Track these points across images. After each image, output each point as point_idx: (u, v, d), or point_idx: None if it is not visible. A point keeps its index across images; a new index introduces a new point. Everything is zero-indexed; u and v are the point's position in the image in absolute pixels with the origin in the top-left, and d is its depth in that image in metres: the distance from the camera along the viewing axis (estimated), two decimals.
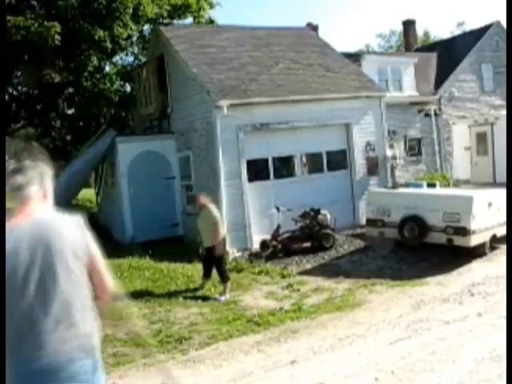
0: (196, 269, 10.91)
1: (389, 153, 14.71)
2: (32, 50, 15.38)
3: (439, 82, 20.03)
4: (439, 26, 77.07)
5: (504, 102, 18.86)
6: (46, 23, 14.87)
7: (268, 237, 12.05)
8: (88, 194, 26.20)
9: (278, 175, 13.29)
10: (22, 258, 2.53)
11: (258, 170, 12.97)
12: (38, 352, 2.51)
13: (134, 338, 7.07)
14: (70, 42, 15.68)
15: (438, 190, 12.45)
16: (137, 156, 14.22)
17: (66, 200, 15.44)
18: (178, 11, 19.89)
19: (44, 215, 2.72)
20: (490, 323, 6.70)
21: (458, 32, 38.06)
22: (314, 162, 13.96)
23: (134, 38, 20.45)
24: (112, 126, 17.78)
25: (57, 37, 14.91)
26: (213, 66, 13.50)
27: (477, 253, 10.22)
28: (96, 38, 15.99)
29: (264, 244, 11.93)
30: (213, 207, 9.19)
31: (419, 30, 33.32)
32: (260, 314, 7.83)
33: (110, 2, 16.17)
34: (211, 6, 21.57)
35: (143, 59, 19.64)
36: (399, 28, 35.74)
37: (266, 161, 13.09)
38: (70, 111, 22.41)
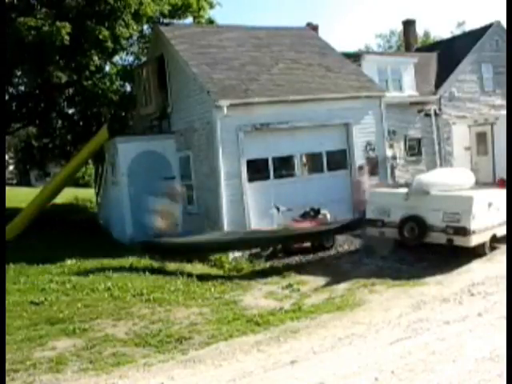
0: (196, 268, 10.92)
1: (389, 153, 14.70)
2: (39, 50, 15.40)
3: (439, 82, 19.99)
4: (439, 26, 77.05)
5: (504, 102, 18.85)
6: (57, 23, 14.92)
7: None
8: (88, 193, 26.24)
9: (277, 175, 13.28)
10: None
11: (257, 170, 12.96)
12: None
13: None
14: (74, 41, 15.70)
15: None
16: (137, 156, 14.21)
17: None
18: (178, 11, 19.88)
19: None
20: (489, 323, 6.71)
21: (458, 32, 37.99)
22: (314, 162, 13.96)
23: (135, 38, 20.44)
24: (112, 125, 17.78)
25: (66, 37, 14.97)
26: (213, 65, 13.49)
27: (477, 253, 10.21)
28: (101, 37, 16.00)
29: None
30: None
31: (419, 30, 33.26)
32: (260, 314, 7.83)
33: (114, 2, 16.19)
34: (211, 5, 21.54)
35: (143, 59, 19.64)
36: (399, 28, 35.73)
37: (266, 161, 13.08)
38: (71, 111, 22.41)
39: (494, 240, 10.53)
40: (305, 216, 12.11)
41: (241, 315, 7.89)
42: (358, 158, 13.95)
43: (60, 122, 22.38)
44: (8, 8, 15.23)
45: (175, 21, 19.73)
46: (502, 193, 10.52)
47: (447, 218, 10.15)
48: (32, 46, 15.17)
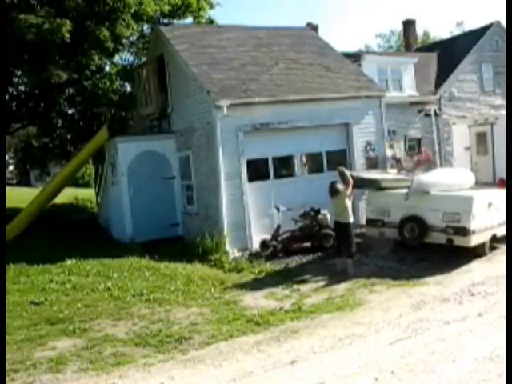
0: (196, 268, 10.92)
1: (389, 153, 14.67)
2: (40, 49, 15.41)
3: (439, 82, 20.01)
4: (439, 26, 77.12)
5: (504, 102, 18.85)
6: (58, 20, 14.91)
7: (268, 237, 12.05)
8: (88, 193, 26.24)
9: (277, 175, 13.27)
10: None
11: (257, 170, 12.94)
12: None
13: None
14: (75, 41, 15.71)
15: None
16: (137, 156, 14.21)
17: None
18: (178, 11, 19.88)
19: None
20: (489, 323, 6.71)
21: (457, 32, 38.02)
22: (314, 162, 13.95)
23: (134, 38, 20.44)
24: (112, 125, 17.78)
25: (66, 35, 14.97)
26: (213, 65, 13.49)
27: (477, 253, 10.21)
28: (101, 37, 16.01)
29: (264, 244, 11.93)
30: None
31: (419, 30, 33.30)
32: (260, 314, 7.84)
33: (114, 2, 16.20)
34: (211, 5, 21.54)
35: (143, 59, 19.64)
36: (399, 28, 35.76)
37: (266, 161, 13.07)
38: (71, 110, 22.40)
39: (494, 240, 10.53)
40: (304, 216, 12.11)
41: (241, 315, 7.89)
42: (358, 158, 13.95)
43: (60, 121, 22.36)
44: (8, 7, 15.23)
45: (175, 21, 19.75)
46: (502, 193, 10.52)
47: (447, 218, 10.16)
48: (33, 44, 15.18)
